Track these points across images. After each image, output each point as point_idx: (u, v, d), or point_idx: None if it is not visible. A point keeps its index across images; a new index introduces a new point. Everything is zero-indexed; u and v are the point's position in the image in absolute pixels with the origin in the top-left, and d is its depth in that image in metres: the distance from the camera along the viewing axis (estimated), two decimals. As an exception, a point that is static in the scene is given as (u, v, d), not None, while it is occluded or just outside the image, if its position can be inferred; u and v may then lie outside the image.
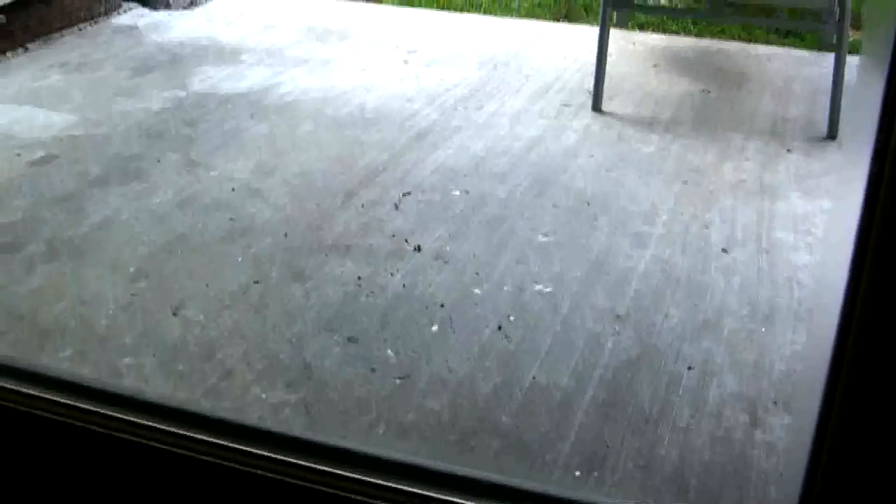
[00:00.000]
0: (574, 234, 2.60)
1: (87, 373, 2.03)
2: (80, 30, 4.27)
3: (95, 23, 4.36)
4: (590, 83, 3.54)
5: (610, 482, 1.74)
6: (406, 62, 3.95)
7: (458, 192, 2.84)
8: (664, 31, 4.45)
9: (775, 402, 1.94)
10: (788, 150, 3.16)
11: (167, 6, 4.59)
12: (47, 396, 1.11)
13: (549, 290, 2.34)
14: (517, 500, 1.07)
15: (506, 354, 2.10)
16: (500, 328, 2.18)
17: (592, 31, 3.80)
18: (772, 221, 2.69)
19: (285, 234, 2.59)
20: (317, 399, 1.95)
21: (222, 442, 1.04)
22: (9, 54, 3.93)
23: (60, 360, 2.06)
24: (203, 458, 1.03)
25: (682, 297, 2.31)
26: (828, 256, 1.11)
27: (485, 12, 4.80)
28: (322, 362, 2.07)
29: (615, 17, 3.94)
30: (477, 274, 2.40)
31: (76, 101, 3.49)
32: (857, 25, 3.92)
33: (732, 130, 3.31)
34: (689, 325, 2.20)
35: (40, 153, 3.06)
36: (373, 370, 2.04)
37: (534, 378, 2.02)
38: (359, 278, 2.38)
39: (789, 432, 1.81)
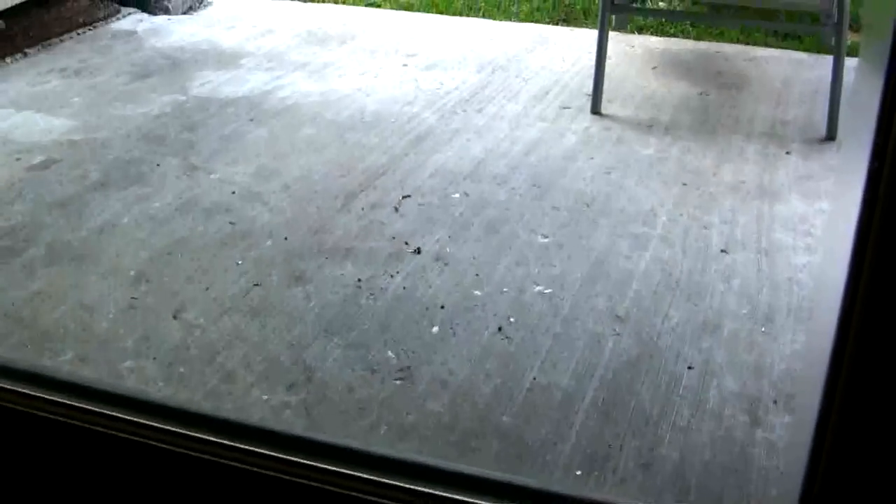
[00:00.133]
0: (574, 236, 2.61)
1: (88, 376, 2.03)
2: (79, 35, 4.27)
3: (94, 28, 4.37)
4: (589, 86, 3.54)
5: (611, 482, 1.74)
6: (405, 66, 3.95)
7: (457, 195, 2.84)
8: (663, 34, 4.46)
9: (775, 402, 1.94)
10: (787, 151, 3.17)
11: (166, 11, 4.59)
12: (50, 397, 1.12)
13: (549, 291, 2.34)
14: (524, 499, 1.07)
15: (506, 355, 2.10)
16: (500, 329, 2.19)
17: (591, 35, 3.81)
18: (771, 223, 2.69)
19: (285, 238, 2.59)
20: (317, 401, 1.96)
21: (224, 441, 1.05)
22: (8, 59, 3.94)
23: (61, 364, 2.07)
24: (205, 457, 1.04)
25: (682, 298, 2.31)
26: (827, 256, 1.11)
27: (484, 16, 4.81)
28: (322, 364, 2.07)
29: (614, 20, 3.95)
30: (477, 276, 2.41)
31: (76, 106, 3.49)
32: (855, 28, 3.93)
33: (731, 132, 3.32)
34: (689, 326, 2.20)
35: (40, 158, 3.07)
36: (373, 372, 2.05)
37: (534, 379, 2.02)
38: (359, 281, 2.38)
39: (789, 431, 1.81)
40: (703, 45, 4.28)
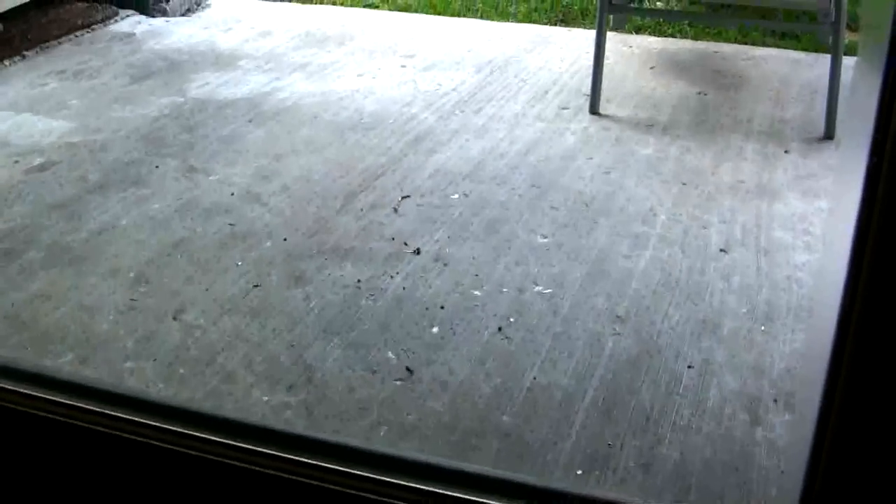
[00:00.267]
0: (573, 236, 2.61)
1: (88, 376, 2.04)
2: (77, 37, 4.27)
3: (93, 30, 4.37)
4: (587, 86, 3.55)
5: (611, 481, 1.74)
6: (404, 67, 3.95)
7: (457, 195, 2.84)
8: (661, 34, 4.46)
9: (775, 400, 1.95)
10: (786, 150, 3.17)
11: (164, 13, 4.60)
12: (51, 398, 1.12)
13: (548, 291, 2.34)
14: (525, 496, 1.07)
15: (506, 355, 2.10)
16: (500, 329, 2.19)
17: (589, 35, 3.82)
18: (770, 221, 2.70)
19: (285, 239, 2.59)
20: (318, 401, 1.96)
21: (226, 440, 1.05)
22: (6, 62, 3.94)
23: (61, 366, 2.07)
24: (207, 456, 1.04)
25: (682, 297, 2.31)
26: (827, 254, 1.12)
27: (482, 17, 4.81)
28: (323, 365, 2.07)
29: (612, 20, 3.95)
30: (477, 276, 2.41)
31: (74, 108, 3.49)
32: (853, 27, 3.93)
33: (730, 132, 3.32)
34: (688, 325, 2.20)
35: (39, 160, 3.07)
36: (373, 372, 2.05)
37: (534, 378, 2.02)
38: (359, 281, 2.38)
39: (790, 430, 1.81)
40: (702, 45, 4.29)
